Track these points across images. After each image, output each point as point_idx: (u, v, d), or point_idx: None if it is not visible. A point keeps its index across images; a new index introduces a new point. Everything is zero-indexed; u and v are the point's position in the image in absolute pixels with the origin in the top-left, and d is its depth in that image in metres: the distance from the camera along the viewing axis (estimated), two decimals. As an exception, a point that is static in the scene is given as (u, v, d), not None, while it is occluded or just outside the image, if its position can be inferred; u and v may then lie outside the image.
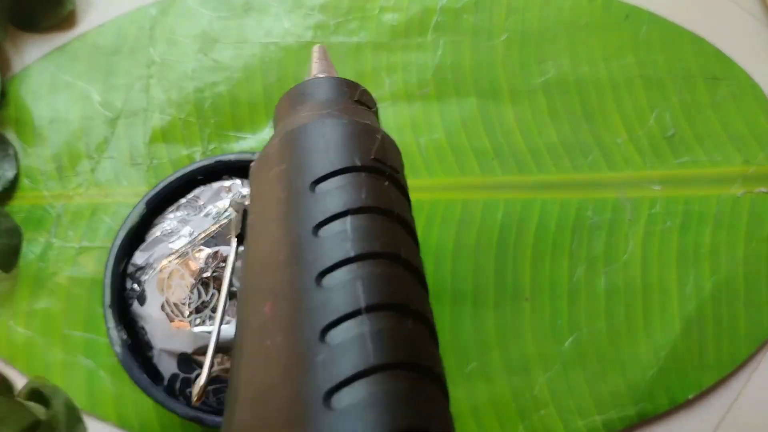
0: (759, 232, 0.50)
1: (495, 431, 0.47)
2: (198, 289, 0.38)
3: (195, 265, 0.38)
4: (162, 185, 0.42)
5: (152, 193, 0.41)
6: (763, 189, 0.51)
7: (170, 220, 0.41)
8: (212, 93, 0.52)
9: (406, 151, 0.51)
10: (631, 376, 0.48)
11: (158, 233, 0.40)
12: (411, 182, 0.51)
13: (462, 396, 0.48)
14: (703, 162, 0.52)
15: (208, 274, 0.38)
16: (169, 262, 0.39)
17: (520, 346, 0.48)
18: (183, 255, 0.39)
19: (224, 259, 0.38)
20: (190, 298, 0.38)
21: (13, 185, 0.50)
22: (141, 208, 0.41)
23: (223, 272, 0.38)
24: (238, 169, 0.43)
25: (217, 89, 0.52)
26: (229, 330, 0.37)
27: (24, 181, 0.50)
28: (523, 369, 0.48)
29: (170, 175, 0.42)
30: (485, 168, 0.51)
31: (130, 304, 0.40)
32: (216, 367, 0.37)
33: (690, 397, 0.48)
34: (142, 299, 0.39)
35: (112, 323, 0.39)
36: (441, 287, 0.49)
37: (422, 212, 0.51)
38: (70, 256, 0.49)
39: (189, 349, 0.38)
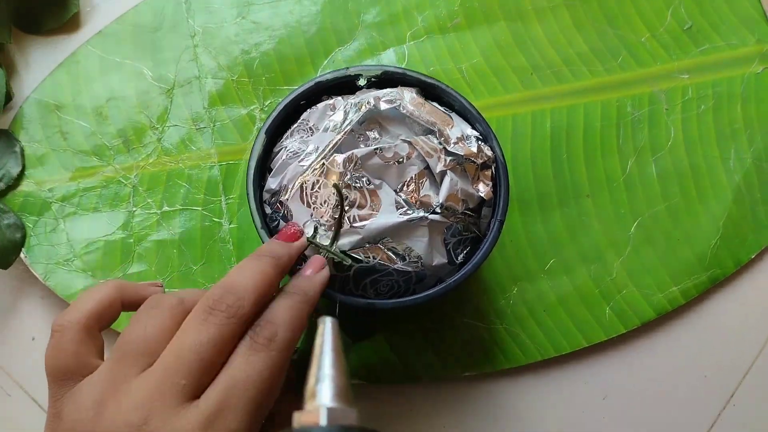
0: (783, 103, 0.54)
1: (584, 316, 0.50)
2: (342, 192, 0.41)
3: (335, 171, 0.41)
4: (274, 115, 0.44)
5: (268, 122, 0.44)
6: (779, 64, 0.56)
7: (290, 143, 0.43)
8: (259, 53, 0.54)
9: (450, 78, 0.54)
10: (698, 247, 0.51)
11: (284, 157, 0.43)
12: (460, 106, 0.54)
13: (547, 289, 0.51)
14: (722, 47, 0.56)
15: (348, 177, 0.41)
16: (307, 175, 0.41)
17: (591, 238, 0.52)
18: (320, 165, 0.41)
19: (359, 161, 0.41)
20: (336, 201, 0.40)
21: (17, 182, 0.51)
22: (262, 139, 0.43)
23: (361, 174, 0.41)
24: (337, 86, 0.46)
25: (262, 48, 0.54)
26: (377, 222, 0.40)
27: (93, 159, 0.52)
28: (597, 257, 0.51)
29: (277, 105, 0.44)
30: (526, 83, 0.55)
31: (276, 227, 0.43)
32: (371, 260, 0.41)
33: (752, 256, 0.52)
34: (287, 217, 0.41)
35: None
36: (507, 197, 0.52)
37: (476, 132, 0.54)
38: (154, 222, 0.50)
39: (347, 248, 0.41)
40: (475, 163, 0.43)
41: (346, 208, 0.40)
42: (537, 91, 0.54)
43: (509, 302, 0.50)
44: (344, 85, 0.46)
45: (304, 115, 0.44)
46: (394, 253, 0.41)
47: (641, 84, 0.55)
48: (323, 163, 0.41)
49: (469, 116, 0.45)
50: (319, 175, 0.41)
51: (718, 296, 0.52)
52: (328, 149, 0.41)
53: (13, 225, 0.50)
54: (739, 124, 0.54)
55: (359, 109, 0.43)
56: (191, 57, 0.54)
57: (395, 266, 0.41)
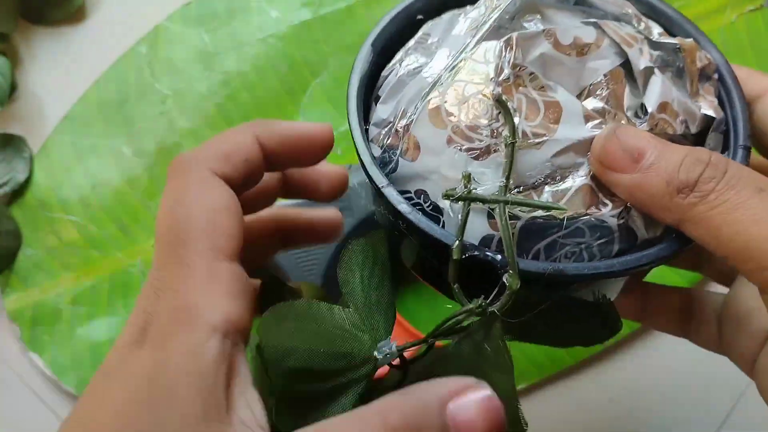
0: (763, 46, 0.54)
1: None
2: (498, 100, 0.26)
3: (484, 69, 0.27)
4: (383, 24, 0.32)
5: (374, 33, 0.32)
6: (751, 7, 0.55)
7: (407, 62, 0.30)
8: (234, 103, 0.52)
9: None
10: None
11: (399, 74, 0.30)
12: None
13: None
14: (693, 1, 0.55)
15: (506, 72, 0.26)
16: (439, 88, 0.27)
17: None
18: (459, 65, 0.27)
19: (521, 50, 0.26)
20: (494, 109, 0.26)
21: (23, 188, 0.51)
22: (366, 52, 0.31)
23: (524, 68, 0.27)
24: None
25: (237, 98, 0.52)
26: (560, 136, 0.26)
27: (93, 252, 0.50)
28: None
29: (386, 15, 0.32)
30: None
31: (392, 173, 0.28)
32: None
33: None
34: (406, 153, 0.28)
35: (398, 201, 0.27)
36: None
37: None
38: (172, 304, 0.49)
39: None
40: (694, 64, 0.29)
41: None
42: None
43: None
44: None
45: (425, 28, 0.31)
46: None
47: (623, 56, 0.54)
48: (464, 59, 0.27)
49: (663, 21, 0.32)
50: (458, 78, 0.27)
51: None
52: (468, 45, 0.28)
53: (11, 232, 0.49)
54: (726, 77, 0.54)
55: None
56: (167, 124, 0.52)
57: (595, 216, 0.26)
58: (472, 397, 0.22)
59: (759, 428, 0.49)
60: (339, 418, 0.22)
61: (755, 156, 0.33)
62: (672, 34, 0.31)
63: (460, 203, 0.26)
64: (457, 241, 0.25)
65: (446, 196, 0.26)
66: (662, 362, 0.50)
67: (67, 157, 0.51)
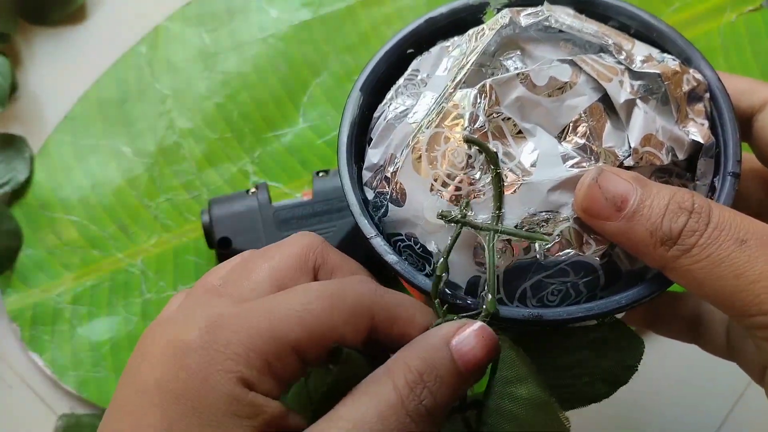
0: (762, 46, 0.54)
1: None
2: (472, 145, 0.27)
3: (459, 114, 0.28)
4: (371, 66, 0.33)
5: (363, 77, 0.32)
6: (750, 8, 0.55)
7: (395, 104, 0.31)
8: (234, 103, 0.52)
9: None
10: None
11: (386, 120, 0.31)
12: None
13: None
14: (692, 2, 0.55)
15: (481, 120, 0.27)
16: (421, 134, 0.28)
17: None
18: (438, 113, 0.28)
19: (495, 94, 0.27)
20: (469, 158, 0.27)
21: (23, 188, 0.51)
22: (356, 97, 0.32)
23: (500, 115, 0.27)
24: (453, 28, 0.33)
25: (237, 98, 0.52)
26: (536, 178, 0.27)
27: (93, 252, 0.50)
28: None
29: (375, 55, 0.33)
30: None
31: (383, 216, 0.30)
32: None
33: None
34: (397, 199, 0.29)
35: (385, 252, 0.29)
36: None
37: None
38: (172, 304, 0.49)
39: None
40: (679, 89, 0.29)
41: (483, 166, 0.27)
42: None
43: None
44: (462, 25, 0.33)
45: (414, 64, 0.32)
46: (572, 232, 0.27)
47: (623, 56, 0.54)
48: (443, 107, 0.28)
49: (655, 36, 0.32)
50: (437, 127, 0.28)
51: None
52: (447, 91, 0.28)
53: (11, 232, 0.49)
54: (725, 77, 0.54)
55: (489, 30, 0.29)
56: (167, 124, 0.52)
57: (576, 256, 0.27)
58: (468, 330, 0.25)
59: (758, 429, 0.49)
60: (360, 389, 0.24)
61: (753, 159, 0.33)
62: (664, 50, 0.31)
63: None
64: (443, 258, 0.27)
65: (441, 216, 0.27)
66: (662, 362, 0.50)
67: (67, 157, 0.51)
